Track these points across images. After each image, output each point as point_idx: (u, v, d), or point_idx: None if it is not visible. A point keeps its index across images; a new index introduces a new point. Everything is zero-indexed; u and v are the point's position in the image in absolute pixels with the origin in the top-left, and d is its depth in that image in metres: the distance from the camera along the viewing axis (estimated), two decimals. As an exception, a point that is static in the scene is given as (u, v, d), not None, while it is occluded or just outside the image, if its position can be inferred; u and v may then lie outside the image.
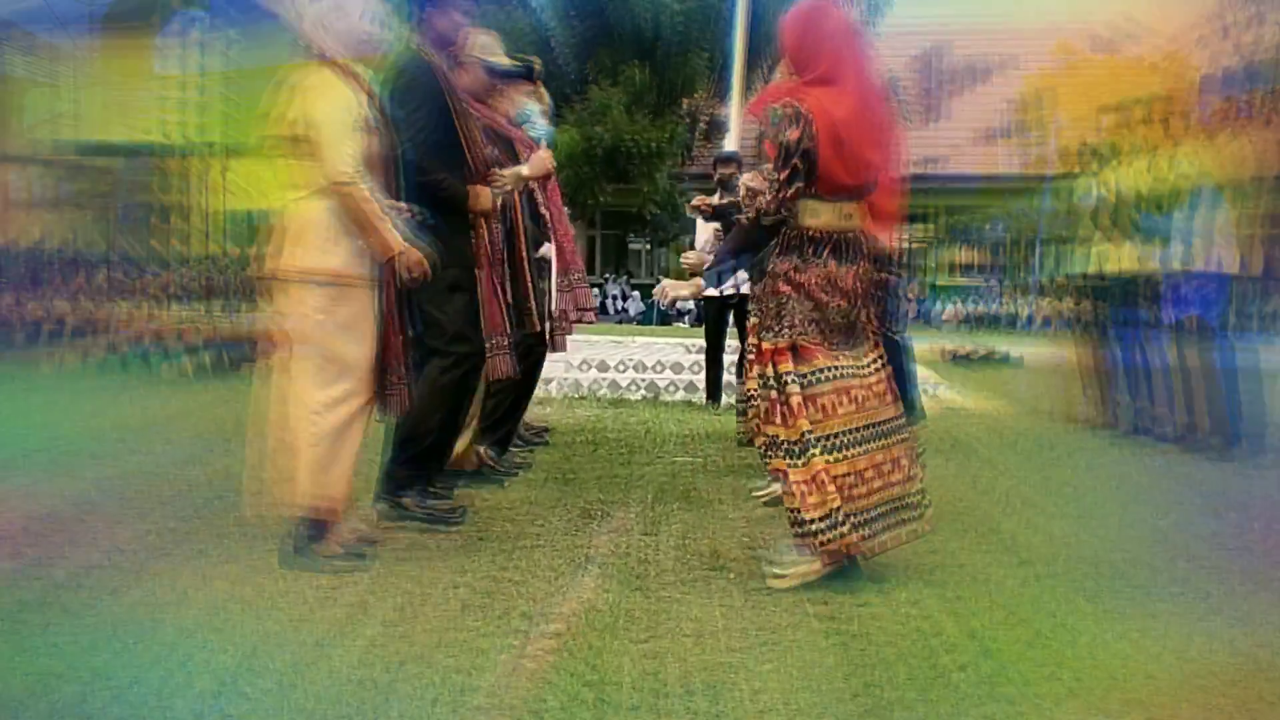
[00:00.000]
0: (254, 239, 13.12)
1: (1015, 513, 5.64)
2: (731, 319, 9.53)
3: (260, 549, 4.59)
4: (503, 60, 6.09)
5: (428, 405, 5.12)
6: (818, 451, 4.23)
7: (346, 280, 4.42)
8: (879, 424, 4.38)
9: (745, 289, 9.30)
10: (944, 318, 32.53)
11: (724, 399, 9.87)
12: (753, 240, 4.44)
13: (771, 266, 4.41)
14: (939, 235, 32.91)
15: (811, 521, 4.22)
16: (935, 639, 3.74)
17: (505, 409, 6.57)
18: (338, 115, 4.38)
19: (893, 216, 4.82)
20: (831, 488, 4.22)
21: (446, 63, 5.29)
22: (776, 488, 5.46)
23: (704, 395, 10.11)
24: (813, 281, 4.33)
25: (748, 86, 22.03)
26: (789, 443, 4.27)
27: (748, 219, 4.45)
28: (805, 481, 4.24)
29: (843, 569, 4.32)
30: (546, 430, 7.82)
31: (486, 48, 6.01)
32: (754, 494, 5.93)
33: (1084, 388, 8.83)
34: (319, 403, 4.38)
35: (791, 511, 4.29)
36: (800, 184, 4.28)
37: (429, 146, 5.04)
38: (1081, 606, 4.11)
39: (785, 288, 4.34)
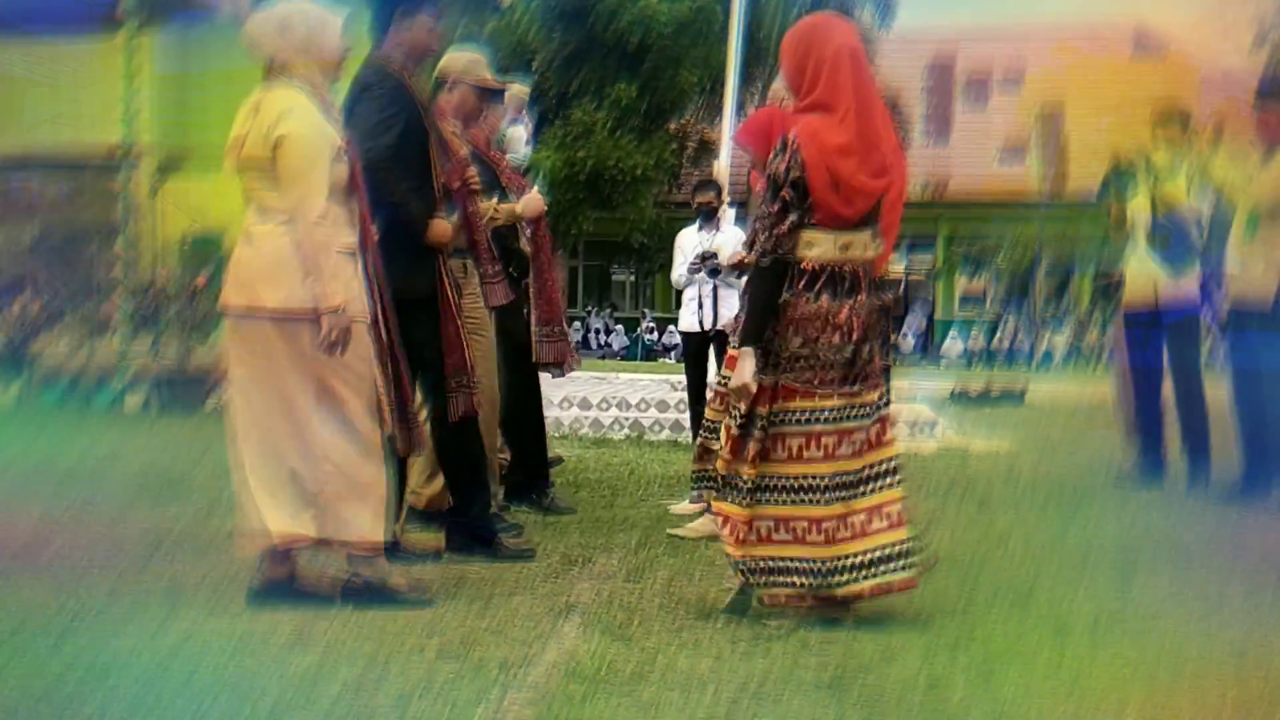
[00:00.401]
0: (205, 265, 13.05)
1: (1012, 556, 5.69)
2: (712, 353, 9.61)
3: (227, 590, 4.64)
4: (491, 80, 6.12)
5: (463, 442, 5.30)
6: (770, 497, 4.43)
7: (351, 312, 4.47)
8: (860, 470, 4.43)
9: (725, 325, 9.41)
10: (942, 351, 32.64)
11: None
12: (768, 286, 4.44)
13: None
14: (948, 263, 33.05)
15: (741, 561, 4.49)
16: (935, 686, 3.77)
17: (528, 453, 6.73)
18: (317, 145, 4.45)
19: (890, 229, 4.88)
20: (767, 534, 4.44)
21: (430, 84, 5.36)
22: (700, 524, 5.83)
23: (690, 434, 10.16)
24: (802, 317, 4.35)
25: (740, 105, 22.18)
26: (744, 481, 4.42)
27: (754, 265, 4.49)
28: (745, 522, 4.43)
29: (833, 619, 4.38)
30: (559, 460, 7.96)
31: (474, 67, 6.05)
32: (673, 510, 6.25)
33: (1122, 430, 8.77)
34: (327, 443, 4.44)
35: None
36: (794, 217, 4.33)
37: (393, 162, 5.08)
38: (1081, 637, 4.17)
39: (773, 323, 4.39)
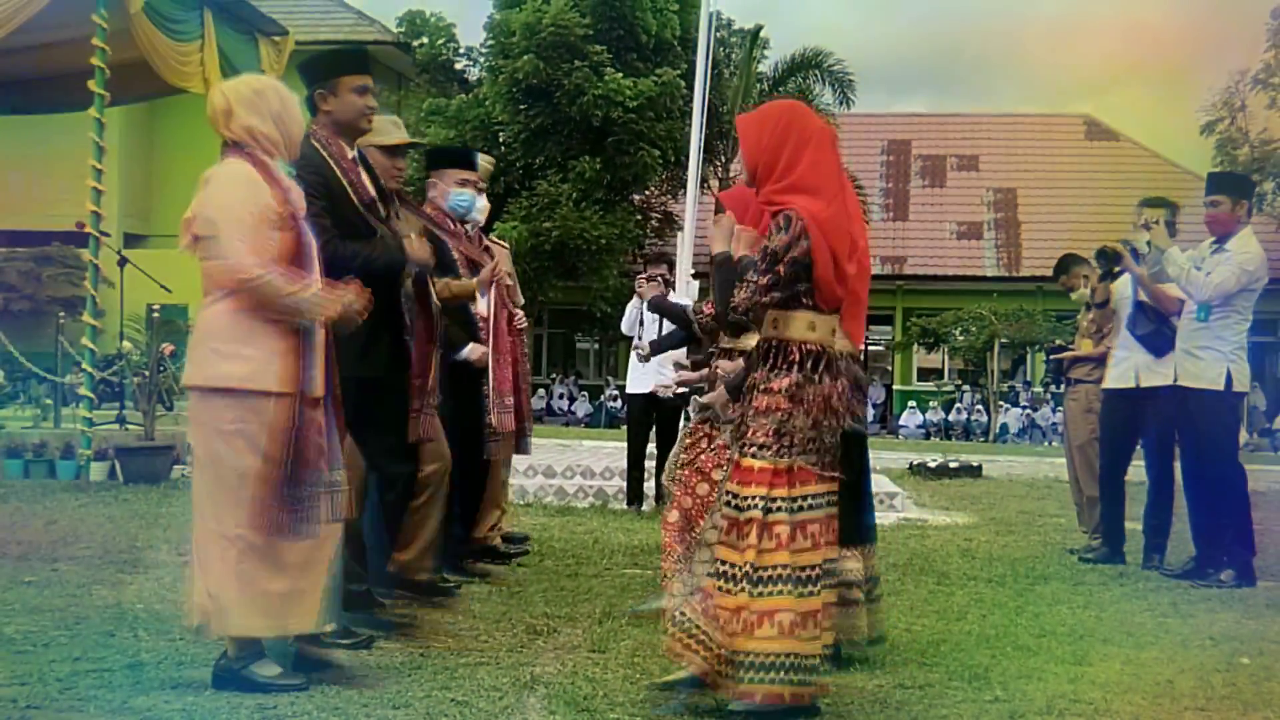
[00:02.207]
0: (171, 335, 13.00)
1: (970, 634, 5.71)
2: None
3: (193, 668, 4.59)
4: (388, 138, 5.88)
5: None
6: (788, 589, 4.13)
7: (259, 388, 4.33)
8: (832, 561, 4.33)
9: (669, 391, 9.50)
10: (900, 423, 32.72)
11: (647, 504, 10.16)
12: (724, 298, 4.39)
13: (766, 383, 4.29)
14: (906, 336, 33.19)
15: (749, 655, 4.11)
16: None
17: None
18: (239, 211, 4.34)
19: (862, 303, 4.92)
20: (788, 627, 4.11)
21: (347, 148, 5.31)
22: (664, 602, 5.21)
23: (638, 500, 10.23)
24: (813, 399, 4.25)
25: (703, 181, 22.31)
26: (756, 569, 4.14)
27: (732, 309, 4.40)
28: (761, 615, 4.13)
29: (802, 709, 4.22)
30: (526, 538, 7.86)
31: (377, 130, 5.90)
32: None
33: (1081, 510, 8.81)
34: (233, 525, 4.30)
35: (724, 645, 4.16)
36: (779, 294, 4.27)
37: (335, 231, 5.04)
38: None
39: (785, 404, 4.24)
